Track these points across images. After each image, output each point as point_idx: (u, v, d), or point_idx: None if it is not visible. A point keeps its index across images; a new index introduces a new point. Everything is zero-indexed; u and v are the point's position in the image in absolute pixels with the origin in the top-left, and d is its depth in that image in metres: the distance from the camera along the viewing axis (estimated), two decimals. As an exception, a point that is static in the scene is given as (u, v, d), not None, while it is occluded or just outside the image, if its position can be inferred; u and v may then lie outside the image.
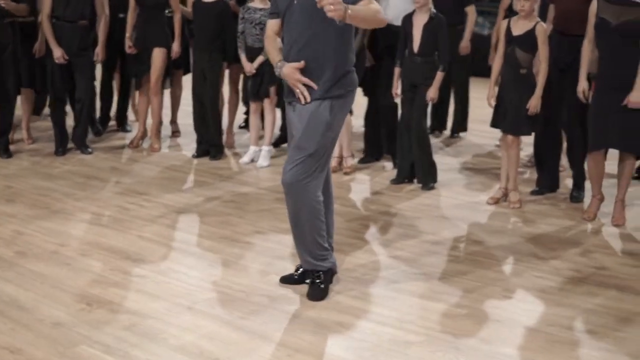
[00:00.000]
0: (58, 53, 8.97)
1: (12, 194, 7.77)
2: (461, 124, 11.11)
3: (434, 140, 10.26)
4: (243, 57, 8.95)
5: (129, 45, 9.49)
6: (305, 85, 5.20)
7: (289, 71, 5.22)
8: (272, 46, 5.45)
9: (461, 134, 11.12)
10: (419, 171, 8.46)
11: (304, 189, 5.25)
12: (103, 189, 8.07)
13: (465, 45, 10.36)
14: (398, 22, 8.33)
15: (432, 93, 8.14)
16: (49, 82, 9.26)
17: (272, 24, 5.47)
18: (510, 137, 7.82)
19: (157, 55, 9.36)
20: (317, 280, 5.49)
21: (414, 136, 8.31)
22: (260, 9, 8.74)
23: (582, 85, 7.43)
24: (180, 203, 7.62)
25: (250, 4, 8.88)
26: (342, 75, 5.28)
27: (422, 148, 8.35)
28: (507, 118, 7.72)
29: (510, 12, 9.65)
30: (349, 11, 4.87)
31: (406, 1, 8.53)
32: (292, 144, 5.33)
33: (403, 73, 8.31)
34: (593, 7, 7.27)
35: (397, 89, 8.41)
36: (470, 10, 10.34)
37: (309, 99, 5.21)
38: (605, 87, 7.22)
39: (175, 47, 9.41)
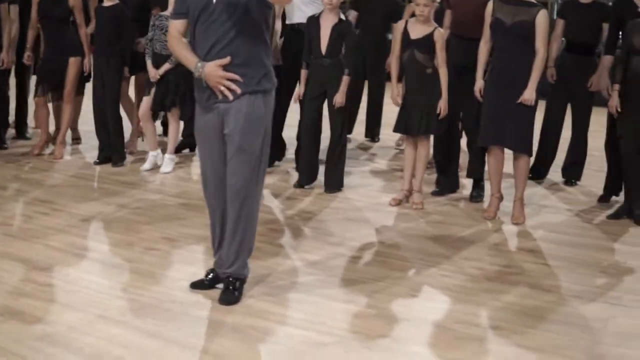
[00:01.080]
0: None
1: None
2: (375, 128, 11.28)
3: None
4: (149, 63, 8.93)
5: (28, 55, 9.47)
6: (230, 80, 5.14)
7: (211, 69, 5.10)
8: (182, 46, 5.31)
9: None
10: (329, 177, 8.54)
11: (254, 192, 5.32)
12: (6, 197, 7.97)
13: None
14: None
15: (339, 97, 8.24)
16: None
17: (178, 25, 5.33)
18: (420, 138, 7.97)
19: (72, 65, 9.29)
20: (233, 287, 5.52)
21: (334, 143, 8.43)
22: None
23: (479, 84, 7.64)
24: (86, 211, 7.57)
25: (163, 12, 8.89)
26: (268, 71, 5.27)
27: (339, 155, 8.48)
28: (415, 119, 7.85)
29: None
30: None
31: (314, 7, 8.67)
32: (231, 147, 5.24)
33: (311, 75, 8.38)
34: (489, 7, 7.49)
35: (302, 92, 8.48)
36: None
37: (238, 90, 5.13)
38: (497, 84, 7.46)
39: (87, 62, 9.39)
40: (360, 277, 6.11)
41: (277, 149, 9.27)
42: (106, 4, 9.11)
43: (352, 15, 10.80)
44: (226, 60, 5.08)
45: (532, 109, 7.41)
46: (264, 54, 5.25)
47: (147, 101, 9.00)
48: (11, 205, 7.70)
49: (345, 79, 8.22)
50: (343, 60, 8.25)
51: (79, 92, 9.84)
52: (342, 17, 8.31)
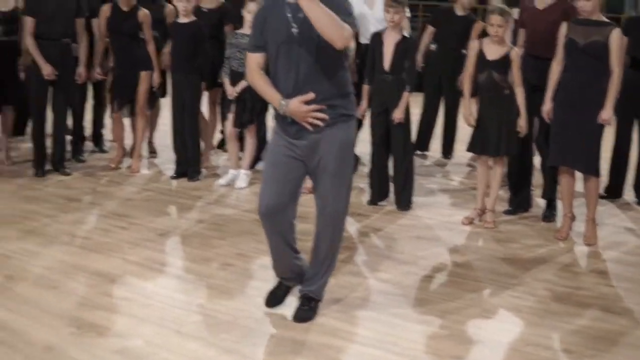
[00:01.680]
0: (48, 70, 9.05)
1: (-7, 216, 7.86)
2: (450, 145, 11.33)
3: (418, 161, 10.54)
4: (226, 81, 9.06)
5: (97, 72, 9.70)
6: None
7: (296, 106, 5.13)
8: (264, 82, 5.30)
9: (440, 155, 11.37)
10: (398, 194, 8.59)
11: (343, 216, 5.49)
12: (85, 211, 8.14)
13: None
14: None
15: (397, 113, 8.29)
16: (31, 103, 9.34)
17: (257, 58, 5.34)
18: (495, 157, 8.01)
19: (143, 79, 9.47)
20: (309, 305, 5.64)
21: (399, 160, 8.48)
22: (249, 35, 8.84)
23: (547, 106, 7.62)
24: (162, 225, 7.72)
25: (239, 31, 9.03)
26: (352, 96, 5.37)
27: (406, 172, 8.52)
28: (493, 140, 7.88)
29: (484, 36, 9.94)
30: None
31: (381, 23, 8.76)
32: (325, 175, 5.34)
33: (374, 91, 8.46)
34: (562, 29, 7.49)
35: (364, 107, 8.55)
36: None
37: (326, 118, 5.18)
38: (566, 104, 7.46)
39: (157, 77, 9.55)
40: (432, 296, 6.16)
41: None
42: (182, 20, 9.25)
43: (429, 31, 10.96)
44: (310, 96, 5.12)
45: (600, 130, 7.41)
46: (346, 79, 5.32)
47: (232, 119, 9.15)
48: (89, 219, 7.88)
49: (406, 95, 8.27)
50: (405, 77, 8.30)
51: (152, 105, 10.01)
52: (406, 34, 8.36)
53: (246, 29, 8.84)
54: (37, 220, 7.72)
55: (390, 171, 8.65)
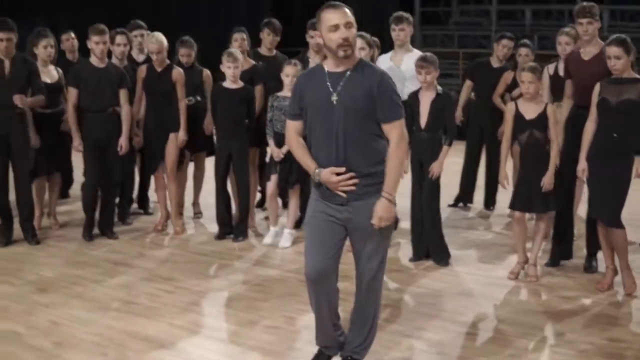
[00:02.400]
0: (76, 142, 9.34)
1: (44, 282, 7.98)
2: (492, 196, 11.40)
3: (461, 214, 10.73)
4: (272, 143, 9.26)
5: (135, 134, 9.88)
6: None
7: (327, 177, 5.37)
8: (302, 151, 5.55)
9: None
10: (432, 248, 8.68)
11: (382, 278, 5.67)
12: (132, 275, 8.29)
13: None
14: None
15: (436, 167, 8.41)
16: (86, 169, 9.60)
17: (296, 126, 5.60)
18: (543, 214, 8.11)
19: (172, 141, 9.68)
20: None
21: (426, 214, 8.56)
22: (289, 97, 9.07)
23: (582, 165, 7.70)
24: (208, 288, 7.86)
25: (279, 93, 9.24)
26: (385, 162, 5.49)
27: (433, 225, 8.60)
28: (537, 196, 7.95)
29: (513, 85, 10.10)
30: (391, 195, 5.38)
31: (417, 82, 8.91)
32: (365, 241, 5.51)
33: (411, 149, 8.57)
34: (596, 89, 7.62)
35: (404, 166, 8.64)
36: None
37: (354, 188, 5.36)
38: (597, 159, 7.60)
39: (182, 135, 9.69)
40: (473, 354, 6.22)
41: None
42: (231, 85, 9.39)
43: (468, 85, 11.19)
44: (341, 169, 5.34)
45: (627, 184, 7.52)
46: (383, 147, 5.45)
47: (275, 179, 9.31)
48: (136, 283, 8.01)
49: (445, 150, 8.42)
50: (443, 134, 8.45)
51: (180, 167, 10.13)
52: (440, 91, 8.49)
53: (286, 92, 9.06)
54: (85, 286, 7.88)
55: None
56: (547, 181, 7.90)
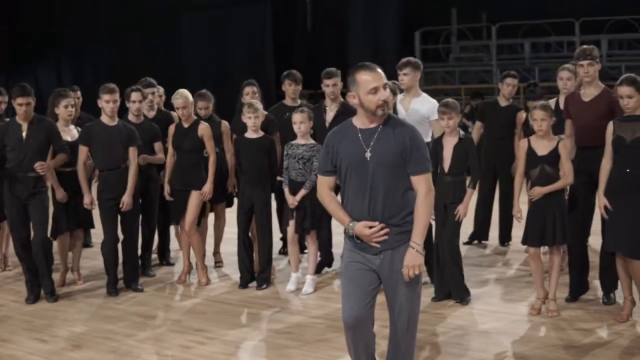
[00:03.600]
0: (87, 200, 9.56)
1: (77, 338, 8.08)
2: (507, 233, 11.54)
3: (477, 251, 10.88)
4: (286, 190, 9.44)
5: (168, 192, 10.05)
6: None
7: (360, 230, 5.61)
8: (335, 205, 5.80)
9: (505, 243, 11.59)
10: (454, 287, 8.81)
11: (417, 321, 5.87)
12: (162, 327, 8.40)
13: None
14: None
15: (462, 209, 8.59)
16: (103, 224, 9.71)
17: (328, 181, 5.85)
18: (554, 247, 8.26)
19: (194, 197, 9.84)
20: None
21: (446, 251, 8.71)
22: (303, 145, 9.37)
23: (602, 201, 7.86)
24: (238, 337, 7.98)
25: (293, 141, 9.46)
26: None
27: (454, 262, 8.73)
28: (550, 230, 8.12)
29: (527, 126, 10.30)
30: (419, 245, 5.58)
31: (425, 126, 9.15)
32: (396, 286, 5.70)
33: (435, 193, 8.71)
34: (610, 127, 7.80)
35: None
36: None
37: (388, 231, 5.61)
38: (615, 194, 7.75)
39: (207, 188, 9.83)
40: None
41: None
42: (252, 135, 9.59)
43: (478, 125, 11.44)
44: (374, 224, 5.59)
45: None
46: (412, 198, 5.68)
47: (293, 225, 9.48)
48: (167, 335, 8.13)
49: (470, 192, 8.64)
50: (465, 179, 8.69)
51: (199, 223, 10.24)
52: (462, 135, 8.70)
53: (299, 139, 9.37)
54: (117, 340, 7.98)
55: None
56: (539, 192, 8.14)
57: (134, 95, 10.18)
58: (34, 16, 24.78)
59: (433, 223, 8.83)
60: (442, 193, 8.63)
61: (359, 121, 5.72)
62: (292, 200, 9.38)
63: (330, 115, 10.01)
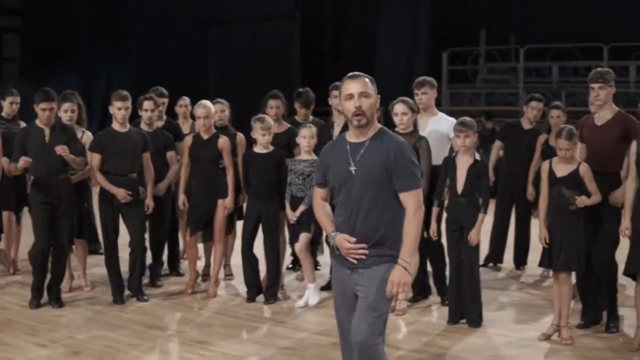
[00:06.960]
0: (122, 193, 9.39)
1: (77, 345, 7.97)
2: (523, 257, 11.38)
3: (492, 274, 10.79)
4: (287, 205, 9.43)
5: (183, 203, 9.96)
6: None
7: (339, 241, 5.58)
8: (323, 214, 5.81)
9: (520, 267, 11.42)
10: (468, 309, 8.64)
11: (377, 347, 5.58)
12: (164, 338, 8.30)
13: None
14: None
15: (474, 236, 8.43)
16: (103, 232, 9.65)
17: (321, 192, 5.86)
18: (562, 274, 8.06)
19: (221, 206, 9.76)
20: None
21: (466, 273, 8.54)
22: (305, 160, 9.35)
23: (626, 223, 7.70)
24: (242, 352, 7.84)
25: (297, 157, 9.46)
26: (399, 236, 5.58)
27: (473, 284, 8.56)
28: (559, 256, 7.96)
29: (547, 147, 10.14)
30: (407, 263, 5.47)
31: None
32: (362, 304, 5.57)
33: (448, 213, 8.61)
34: (633, 147, 7.68)
35: (435, 229, 8.75)
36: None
37: (364, 257, 5.53)
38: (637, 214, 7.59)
39: (229, 202, 9.76)
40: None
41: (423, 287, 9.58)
42: (262, 150, 9.52)
43: (497, 145, 11.35)
44: (352, 239, 5.54)
45: None
46: (400, 219, 5.57)
47: (304, 237, 9.40)
48: (170, 347, 8.04)
49: (481, 217, 8.46)
50: (479, 201, 8.49)
51: (229, 231, 10.29)
52: (477, 157, 8.54)
53: (303, 155, 9.36)
54: (118, 349, 7.87)
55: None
56: (581, 201, 7.96)
57: (147, 104, 10.17)
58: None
59: (444, 242, 8.75)
60: (457, 215, 8.52)
61: (350, 135, 5.69)
62: (291, 216, 9.39)
63: (337, 130, 9.99)
